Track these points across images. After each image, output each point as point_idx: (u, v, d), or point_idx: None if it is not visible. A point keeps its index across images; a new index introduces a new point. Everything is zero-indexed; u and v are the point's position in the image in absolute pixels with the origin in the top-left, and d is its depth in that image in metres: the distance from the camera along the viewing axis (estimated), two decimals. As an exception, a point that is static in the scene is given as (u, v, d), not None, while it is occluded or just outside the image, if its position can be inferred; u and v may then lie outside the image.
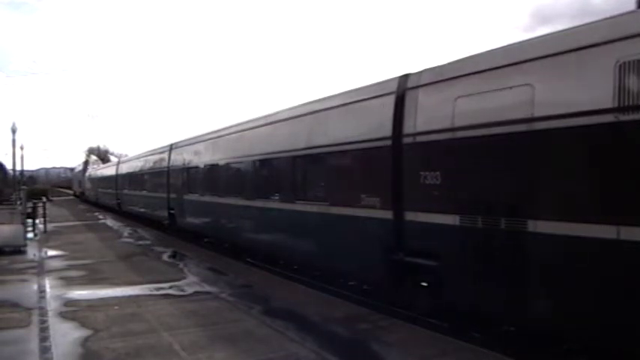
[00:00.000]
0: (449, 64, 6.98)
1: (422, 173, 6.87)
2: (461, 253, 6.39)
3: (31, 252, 14.64)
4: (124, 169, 29.26)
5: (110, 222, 26.16)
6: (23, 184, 36.20)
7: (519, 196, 5.67)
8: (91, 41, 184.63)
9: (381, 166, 7.73)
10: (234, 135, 13.86)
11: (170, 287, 9.72)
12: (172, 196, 18.87)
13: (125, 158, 33.76)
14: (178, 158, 18.43)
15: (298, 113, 10.59)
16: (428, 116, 6.98)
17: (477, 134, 6.17)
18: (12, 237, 14.95)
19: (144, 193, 23.67)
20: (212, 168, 15.00)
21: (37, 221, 20.64)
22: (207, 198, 15.13)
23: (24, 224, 16.51)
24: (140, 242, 17.37)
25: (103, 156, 69.58)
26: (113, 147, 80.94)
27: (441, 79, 6.94)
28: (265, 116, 12.19)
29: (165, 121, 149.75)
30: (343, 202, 8.65)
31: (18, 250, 14.71)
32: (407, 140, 7.27)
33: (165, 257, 13.82)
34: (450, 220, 6.44)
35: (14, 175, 41.36)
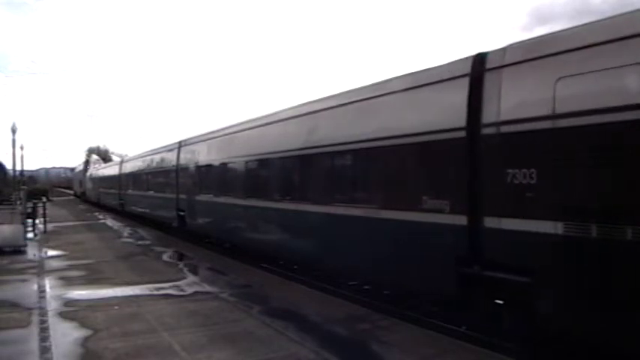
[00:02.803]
0: (546, 37, 5.83)
1: (509, 171, 5.68)
2: (565, 268, 5.25)
3: (31, 252, 14.63)
4: (128, 168, 28.14)
5: (110, 222, 26.17)
6: (23, 184, 36.17)
7: None
8: (90, 41, 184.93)
9: (452, 162, 6.55)
10: (257, 129, 12.41)
11: (170, 287, 9.71)
12: (182, 196, 17.59)
13: (129, 157, 32.25)
14: (189, 156, 17.10)
15: (338, 102, 9.25)
16: (517, 102, 5.77)
17: (591, 122, 4.98)
18: (12, 237, 14.94)
19: (150, 193, 22.49)
20: (230, 166, 13.66)
21: (37, 221, 20.64)
22: (223, 199, 13.77)
23: (24, 224, 16.53)
24: (140, 242, 17.37)
25: (104, 155, 69.48)
26: (113, 147, 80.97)
27: (535, 56, 5.71)
28: (297, 107, 10.85)
29: (165, 120, 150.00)
30: (398, 205, 7.42)
31: (18, 250, 14.70)
32: (487, 131, 6.04)
33: (165, 257, 13.82)
34: (550, 227, 5.29)
35: (14, 175, 41.40)
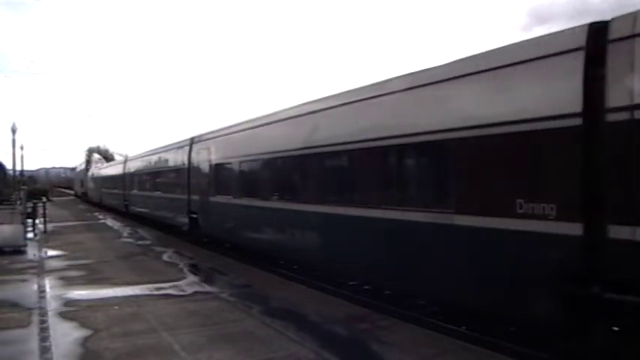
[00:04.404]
0: None
1: None
2: None
3: (31, 252, 14.62)
4: (134, 167, 26.66)
5: (110, 222, 26.16)
6: (23, 184, 36.19)
7: None
8: (89, 41, 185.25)
9: (561, 156, 5.33)
10: (291, 120, 10.89)
11: (170, 287, 9.71)
12: (194, 197, 16.29)
13: (134, 155, 29.70)
14: (202, 154, 15.69)
15: (399, 88, 7.77)
16: None
17: None
18: (12, 237, 14.93)
19: (157, 194, 21.16)
20: (256, 164, 12.24)
21: (37, 221, 20.64)
22: (246, 201, 12.34)
23: (24, 224, 16.54)
24: (140, 242, 17.36)
25: (104, 155, 69.41)
26: (113, 146, 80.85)
27: None
28: (343, 94, 9.28)
29: (165, 120, 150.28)
30: (481, 210, 6.10)
31: (18, 250, 14.69)
32: (616, 117, 4.87)
33: (165, 257, 13.81)
34: None
35: (14, 175, 41.44)
